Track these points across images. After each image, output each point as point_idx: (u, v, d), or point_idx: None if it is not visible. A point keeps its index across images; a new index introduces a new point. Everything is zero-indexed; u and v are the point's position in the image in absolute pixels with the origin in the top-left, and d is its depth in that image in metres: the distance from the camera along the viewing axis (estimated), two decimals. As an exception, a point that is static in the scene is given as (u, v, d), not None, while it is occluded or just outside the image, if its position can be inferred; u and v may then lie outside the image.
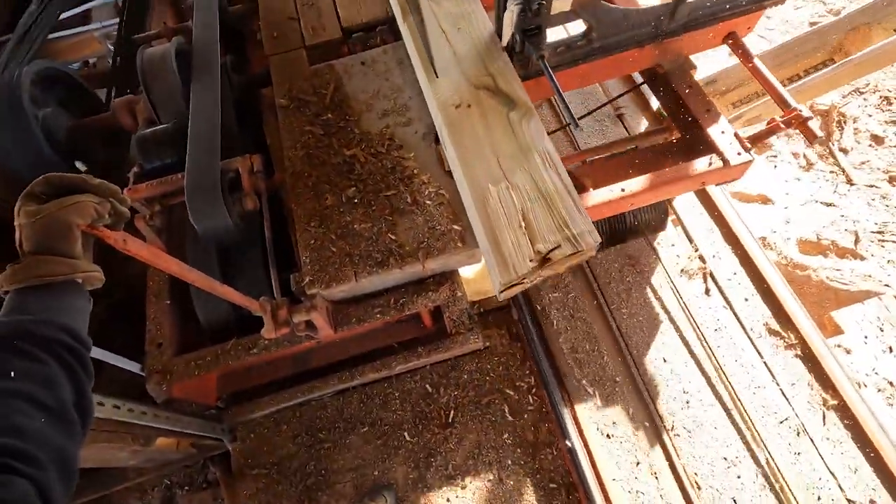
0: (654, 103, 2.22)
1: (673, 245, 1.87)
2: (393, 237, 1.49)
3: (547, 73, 1.30)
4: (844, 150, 3.14)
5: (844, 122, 3.22)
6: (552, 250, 1.02)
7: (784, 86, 2.68)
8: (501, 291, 1.06)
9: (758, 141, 1.59)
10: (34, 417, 0.69)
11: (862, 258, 2.70)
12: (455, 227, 1.49)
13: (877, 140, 3.15)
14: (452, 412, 1.69)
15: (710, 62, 3.58)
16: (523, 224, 1.06)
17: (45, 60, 1.86)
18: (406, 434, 1.67)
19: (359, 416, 1.71)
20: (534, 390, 1.70)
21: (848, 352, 1.99)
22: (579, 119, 1.61)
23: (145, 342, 1.59)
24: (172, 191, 1.56)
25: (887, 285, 2.60)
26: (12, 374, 0.69)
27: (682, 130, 1.70)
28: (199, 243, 1.59)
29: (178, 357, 1.56)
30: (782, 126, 1.53)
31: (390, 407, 1.72)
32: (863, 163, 3.08)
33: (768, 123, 1.59)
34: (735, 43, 1.64)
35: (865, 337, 2.00)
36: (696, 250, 1.83)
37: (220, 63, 1.72)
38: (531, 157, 1.14)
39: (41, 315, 0.76)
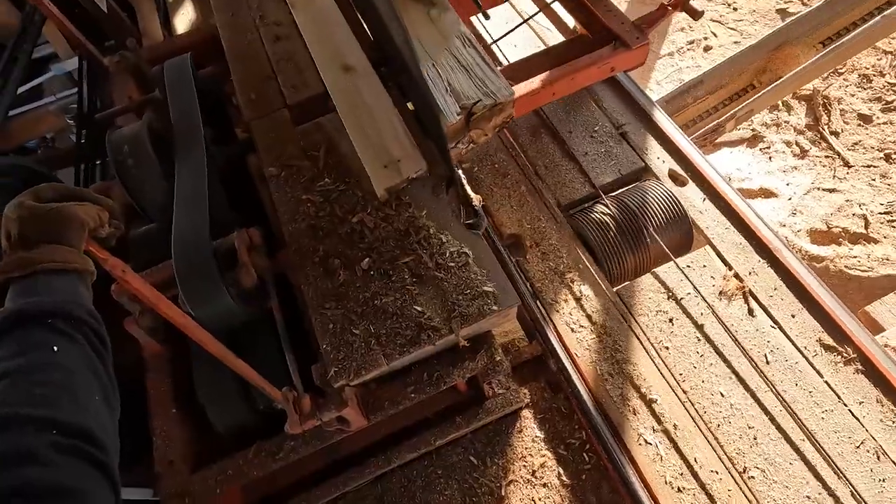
0: (570, 22, 2.45)
1: (704, 266, 1.77)
2: (420, 309, 1.36)
3: None
4: (835, 133, 3.12)
5: (830, 105, 3.21)
6: (475, 104, 1.29)
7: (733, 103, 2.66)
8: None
9: (651, 24, 1.89)
10: (92, 395, 0.67)
11: (876, 241, 2.66)
12: (487, 288, 1.36)
13: (864, 119, 3.14)
14: (504, 483, 1.55)
15: (693, 70, 3.56)
16: (449, 90, 1.33)
17: (3, 157, 1.69)
18: (456, 515, 1.51)
19: (402, 502, 1.55)
20: (587, 446, 1.57)
21: (896, 350, 1.91)
22: (503, 37, 2.17)
23: (154, 461, 1.41)
24: (164, 279, 1.40)
25: (906, 267, 2.56)
26: (55, 349, 0.67)
27: (591, 33, 2.02)
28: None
29: (195, 474, 1.38)
30: (670, 8, 1.88)
31: (435, 487, 1.56)
32: (855, 143, 3.06)
33: (658, 8, 1.90)
34: None
35: (911, 332, 1.93)
36: (731, 269, 1.73)
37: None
38: (451, 40, 1.43)
39: (63, 297, 0.73)
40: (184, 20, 2.89)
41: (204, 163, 1.49)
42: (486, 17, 1.50)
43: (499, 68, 2.25)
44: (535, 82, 1.81)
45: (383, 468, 1.57)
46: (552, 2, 2.29)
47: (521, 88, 1.79)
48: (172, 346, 1.56)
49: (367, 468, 1.55)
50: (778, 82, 2.62)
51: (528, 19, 2.51)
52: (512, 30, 2.23)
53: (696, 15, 1.84)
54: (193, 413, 1.48)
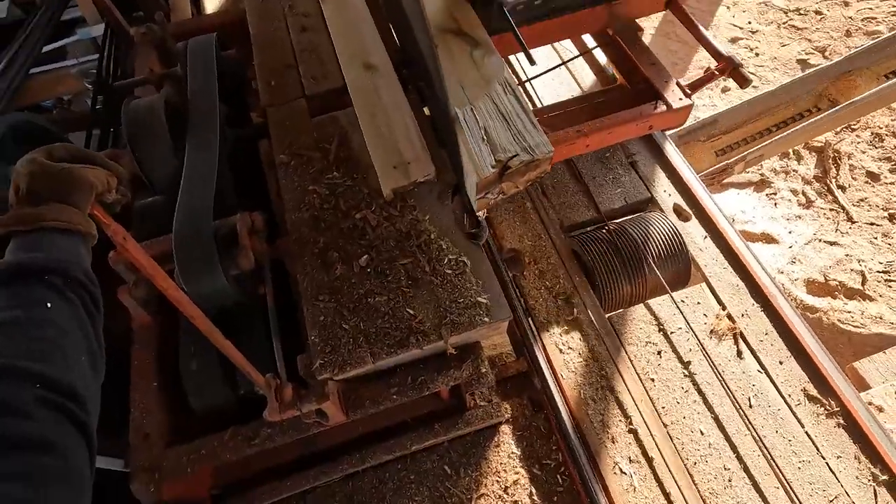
0: (609, 70, 2.43)
1: (699, 303, 1.78)
2: (412, 311, 1.36)
3: (509, 20, 1.50)
4: (842, 188, 3.14)
5: (840, 159, 3.24)
6: (511, 158, 1.22)
7: (777, 130, 2.68)
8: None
9: (697, 88, 1.85)
10: (80, 355, 0.68)
11: (871, 299, 2.66)
12: (481, 299, 1.36)
13: (872, 177, 3.16)
14: (475, 496, 1.54)
15: (709, 109, 3.59)
16: (485, 138, 1.26)
17: (16, 114, 1.70)
18: (424, 523, 1.51)
19: (371, 503, 1.54)
20: (563, 469, 1.56)
21: (880, 409, 1.91)
22: (537, 76, 2.10)
23: (129, 432, 1.41)
24: (162, 252, 1.40)
25: (899, 328, 2.56)
26: (49, 305, 0.68)
27: (632, 85, 1.95)
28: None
29: (169, 449, 1.38)
30: (717, 73, 1.78)
31: (405, 492, 1.56)
32: (861, 200, 3.08)
33: (705, 72, 1.83)
34: (675, 7, 1.90)
35: (896, 393, 1.93)
36: (724, 309, 1.74)
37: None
38: (492, 85, 1.36)
39: (63, 256, 0.74)
40: (213, 0, 2.92)
41: (216, 143, 1.50)
42: (532, 62, 1.45)
43: (531, 109, 2.25)
44: (570, 132, 1.75)
45: (356, 467, 1.56)
46: (594, 48, 2.26)
47: (556, 138, 1.73)
48: (161, 320, 1.56)
49: (341, 465, 1.55)
50: (790, 130, 2.65)
51: (566, 62, 2.49)
52: (548, 70, 2.20)
53: (744, 83, 1.76)
54: (174, 389, 1.47)
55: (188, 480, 1.43)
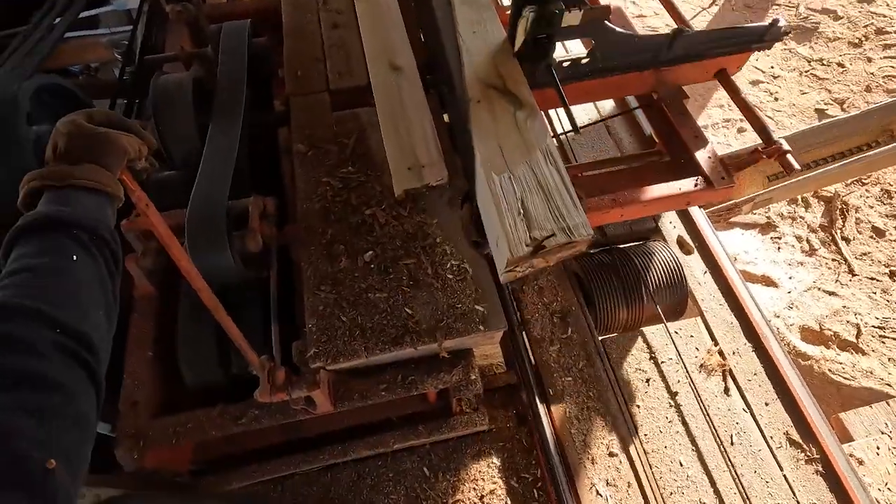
0: (647, 129, 2.37)
1: (692, 336, 1.80)
2: (410, 311, 1.38)
3: (554, 78, 1.45)
4: (846, 239, 3.16)
5: (847, 211, 3.26)
6: (547, 238, 1.12)
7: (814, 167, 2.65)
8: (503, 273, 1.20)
9: (740, 168, 1.79)
10: (98, 309, 0.70)
11: (864, 353, 2.68)
12: (478, 307, 1.38)
13: (878, 233, 3.18)
14: (450, 500, 1.55)
15: (724, 148, 3.62)
16: (522, 211, 1.16)
17: (46, 76, 1.74)
18: (397, 522, 1.52)
19: (347, 497, 1.55)
20: (540, 484, 1.58)
21: (860, 462, 1.92)
22: (572, 131, 2.01)
23: (119, 399, 1.42)
24: (174, 226, 1.43)
25: (888, 384, 2.58)
26: (74, 258, 0.70)
27: (671, 154, 1.87)
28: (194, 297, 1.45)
29: (155, 419, 1.39)
30: (764, 156, 1.70)
31: (383, 489, 1.57)
32: (864, 254, 3.10)
33: (751, 153, 1.77)
34: (724, 79, 1.81)
35: (878, 448, 1.94)
36: (716, 345, 1.76)
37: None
38: (533, 153, 1.25)
39: (91, 214, 0.76)
40: (250, -13, 2.96)
41: (239, 127, 1.54)
42: (577, 131, 1.35)
43: (568, 165, 2.17)
44: (606, 200, 1.67)
45: (337, 459, 1.58)
46: (636, 108, 2.23)
47: (590, 204, 1.65)
48: (162, 292, 1.58)
49: (322, 454, 1.57)
50: (800, 178, 2.67)
51: (605, 119, 2.48)
52: (585, 126, 2.16)
53: (791, 170, 1.67)
54: (168, 361, 1.49)
55: (171, 452, 1.45)
